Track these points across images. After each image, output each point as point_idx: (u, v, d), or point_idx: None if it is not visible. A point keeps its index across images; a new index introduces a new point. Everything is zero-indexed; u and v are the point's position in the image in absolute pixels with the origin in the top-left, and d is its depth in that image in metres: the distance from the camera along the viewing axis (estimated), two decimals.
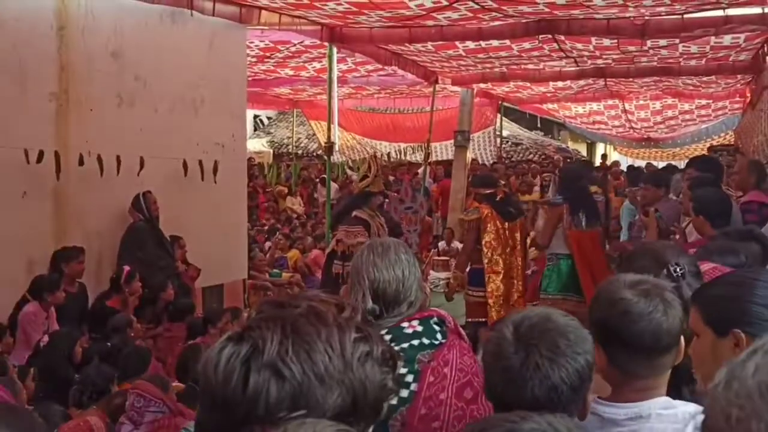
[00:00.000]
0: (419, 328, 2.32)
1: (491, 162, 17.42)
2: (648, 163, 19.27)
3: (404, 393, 2.20)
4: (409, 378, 2.22)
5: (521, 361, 1.68)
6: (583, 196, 7.57)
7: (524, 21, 8.43)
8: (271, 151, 21.67)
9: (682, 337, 1.99)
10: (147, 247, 7.12)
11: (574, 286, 7.30)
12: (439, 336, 2.31)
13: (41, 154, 6.25)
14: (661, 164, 18.28)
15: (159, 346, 6.48)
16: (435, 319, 2.36)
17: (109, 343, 5.67)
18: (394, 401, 2.16)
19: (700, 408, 1.86)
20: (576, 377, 1.67)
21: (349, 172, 18.44)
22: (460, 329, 2.43)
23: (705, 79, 12.47)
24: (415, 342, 2.27)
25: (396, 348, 2.28)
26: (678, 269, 2.32)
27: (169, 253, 7.33)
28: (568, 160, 19.92)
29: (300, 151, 21.26)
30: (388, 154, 19.16)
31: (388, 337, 2.32)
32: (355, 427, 1.11)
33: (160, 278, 6.97)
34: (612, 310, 1.95)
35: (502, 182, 10.12)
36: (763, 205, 5.69)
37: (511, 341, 1.71)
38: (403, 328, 2.32)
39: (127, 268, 6.68)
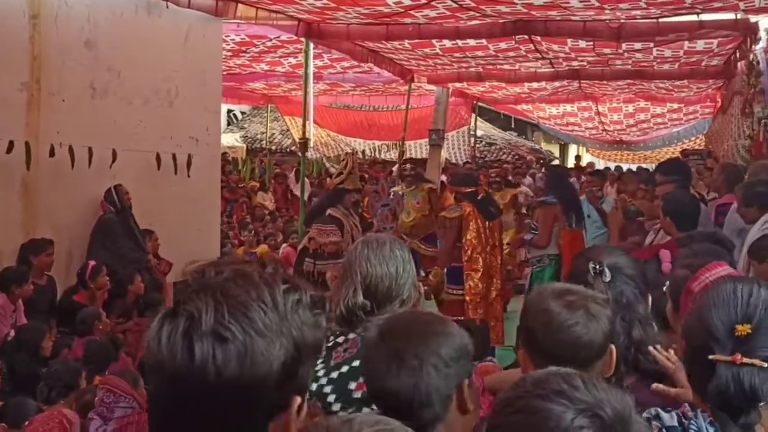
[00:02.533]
0: None
1: (463, 162, 17.49)
2: (617, 166, 19.51)
3: None
4: None
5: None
6: (572, 196, 7.64)
7: (502, 21, 8.45)
8: (245, 146, 21.58)
9: (614, 350, 1.99)
10: (118, 240, 7.05)
11: None
12: None
13: (11, 145, 6.15)
14: (633, 167, 18.49)
15: (129, 341, 6.41)
16: None
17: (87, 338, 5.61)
18: None
19: None
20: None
21: (327, 164, 18.36)
22: None
23: (677, 83, 12.61)
24: None
25: None
26: (598, 267, 2.32)
27: (140, 246, 7.25)
28: (542, 161, 20.06)
29: (274, 147, 21.18)
30: (363, 152, 19.15)
31: None
32: (300, 368, 1.18)
33: (130, 271, 6.90)
34: (535, 320, 1.96)
35: None
36: None
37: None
38: None
39: (92, 263, 6.57)
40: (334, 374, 2.28)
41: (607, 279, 2.30)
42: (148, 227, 7.49)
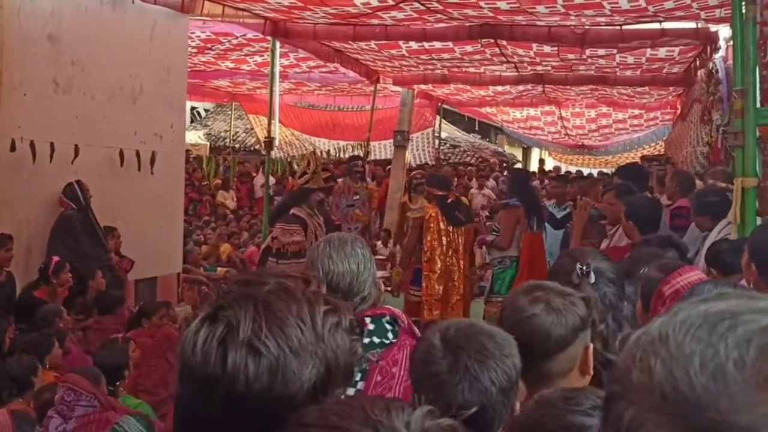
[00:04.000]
0: (371, 326, 2.33)
1: (423, 163, 17.57)
2: (578, 171, 19.73)
3: (350, 391, 2.20)
4: (357, 376, 2.22)
5: (450, 365, 1.68)
6: (535, 199, 7.71)
7: (468, 24, 8.51)
8: (208, 143, 21.41)
9: (590, 348, 2.00)
10: (79, 237, 6.96)
11: None
12: (390, 335, 2.33)
13: None
14: (594, 171, 18.74)
15: (89, 339, 6.34)
16: (387, 317, 2.37)
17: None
18: None
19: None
20: (505, 379, 1.69)
21: (296, 167, 18.26)
22: (415, 329, 2.44)
23: (639, 89, 12.78)
24: (366, 340, 2.27)
25: None
26: (584, 269, 2.37)
27: (102, 243, 7.17)
28: (505, 164, 20.20)
29: (237, 145, 21.05)
30: (327, 152, 19.11)
31: None
32: (329, 391, 1.17)
33: (91, 268, 6.82)
34: (504, 314, 2.01)
35: None
36: (690, 211, 5.92)
37: (438, 346, 1.72)
38: None
39: (56, 258, 6.50)
40: None
41: (592, 281, 2.35)
42: (111, 224, 7.41)
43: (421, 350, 1.78)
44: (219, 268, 10.39)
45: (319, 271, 2.39)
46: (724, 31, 7.96)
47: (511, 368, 1.71)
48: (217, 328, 1.14)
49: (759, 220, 4.27)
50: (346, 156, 19.29)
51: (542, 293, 1.99)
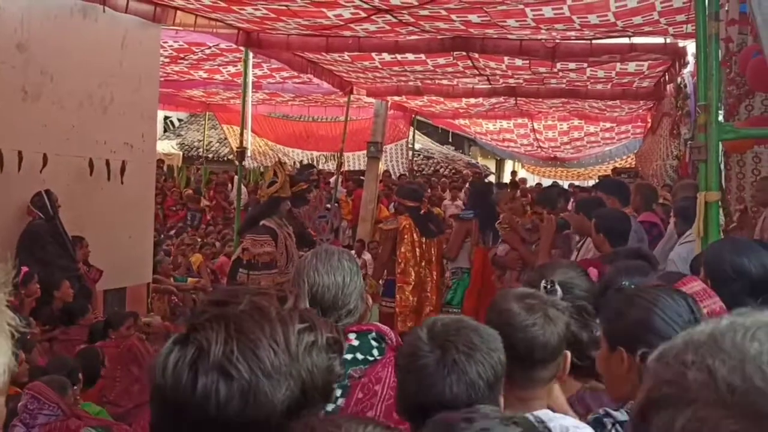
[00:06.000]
0: (355, 342, 2.31)
1: (398, 174, 17.62)
2: (554, 182, 19.85)
3: (330, 407, 2.19)
4: (337, 393, 2.20)
5: (438, 359, 1.69)
6: (492, 214, 7.74)
7: (440, 37, 8.56)
8: (181, 153, 21.31)
9: (567, 354, 2.08)
10: (46, 247, 6.89)
11: None
12: (375, 352, 2.30)
13: None
14: (565, 183, 18.87)
15: (55, 350, 6.27)
16: (374, 334, 2.35)
17: None
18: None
19: (576, 422, 1.95)
20: (492, 373, 1.70)
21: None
22: None
23: (610, 103, 12.91)
24: (349, 356, 2.25)
25: None
26: (548, 286, 2.40)
27: (69, 253, 7.11)
28: (479, 176, 20.28)
29: (211, 155, 20.98)
30: (300, 162, 19.09)
31: None
32: (305, 412, 1.15)
33: (57, 278, 6.75)
34: (496, 319, 2.03)
35: None
36: (654, 225, 5.99)
37: (426, 341, 1.73)
38: None
39: (24, 269, 6.41)
40: None
41: (559, 296, 2.38)
42: (80, 234, 7.35)
43: (408, 344, 1.79)
44: (190, 279, 10.33)
45: (304, 283, 2.37)
46: (692, 47, 8.06)
47: (497, 363, 1.73)
48: (188, 352, 1.13)
49: None
50: (319, 167, 19.32)
51: (537, 302, 2.06)
